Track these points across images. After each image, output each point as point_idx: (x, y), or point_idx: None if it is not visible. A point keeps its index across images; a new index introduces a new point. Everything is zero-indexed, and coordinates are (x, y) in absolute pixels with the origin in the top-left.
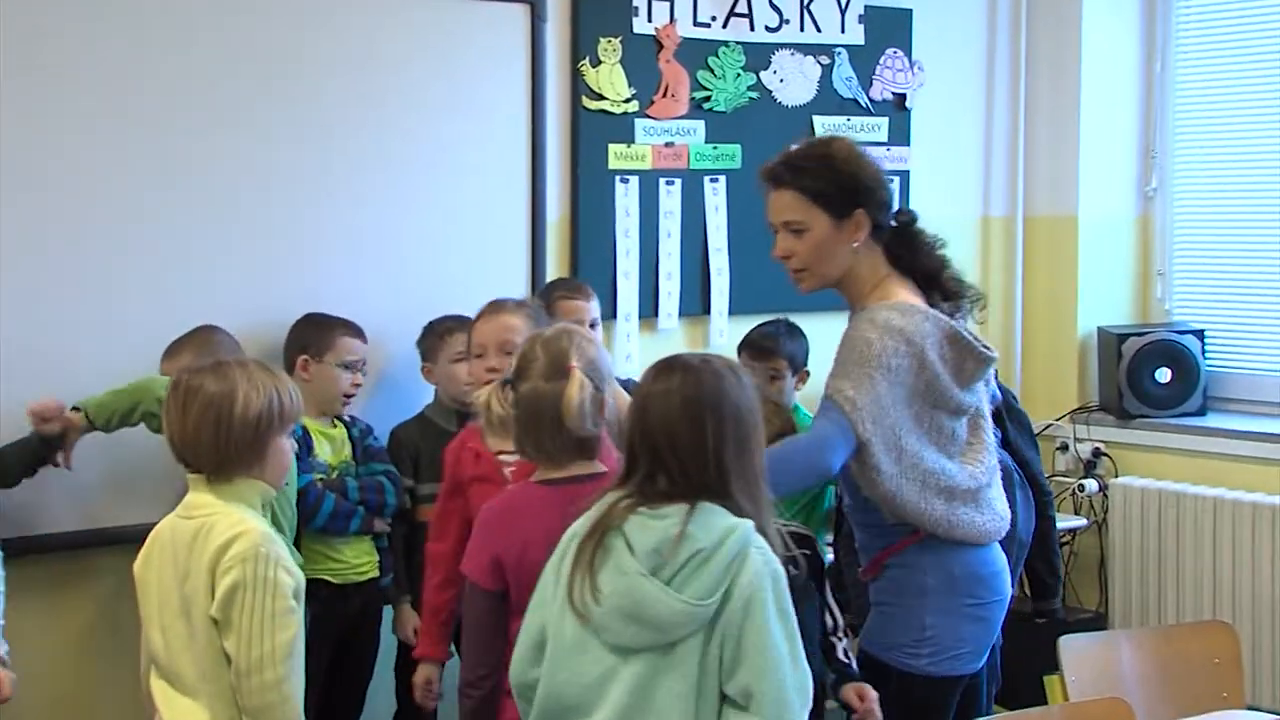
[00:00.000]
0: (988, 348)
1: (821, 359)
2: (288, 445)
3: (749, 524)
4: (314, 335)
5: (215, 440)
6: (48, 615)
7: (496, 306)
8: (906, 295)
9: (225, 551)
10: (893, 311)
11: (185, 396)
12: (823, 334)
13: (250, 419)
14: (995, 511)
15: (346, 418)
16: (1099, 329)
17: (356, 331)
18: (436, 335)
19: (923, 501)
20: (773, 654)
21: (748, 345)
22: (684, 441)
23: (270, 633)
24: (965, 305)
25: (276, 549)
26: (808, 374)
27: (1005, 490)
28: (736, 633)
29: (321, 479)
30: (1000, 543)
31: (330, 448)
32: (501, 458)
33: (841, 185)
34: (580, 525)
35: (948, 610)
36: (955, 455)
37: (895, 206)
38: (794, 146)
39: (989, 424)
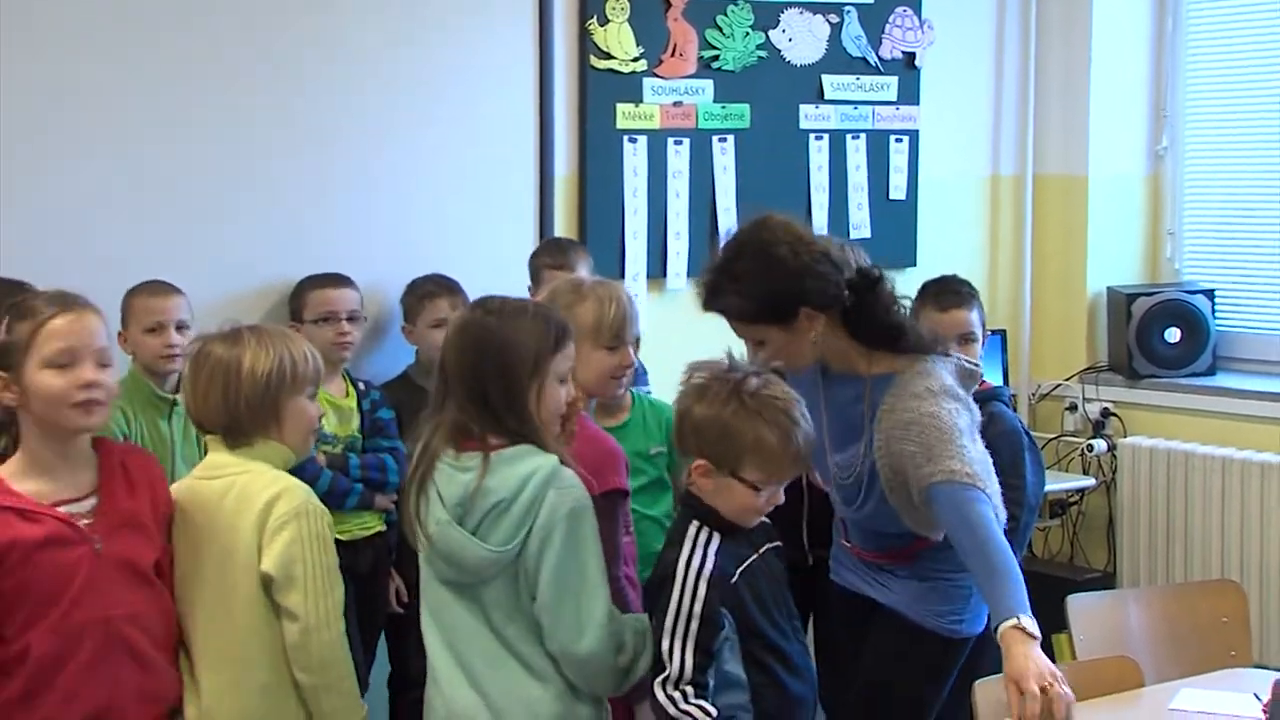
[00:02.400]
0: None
1: None
2: (309, 407)
3: (551, 466)
4: (295, 299)
5: (225, 401)
6: None
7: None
8: (898, 361)
9: (273, 508)
10: (919, 378)
11: (197, 362)
12: None
13: (259, 378)
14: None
15: (360, 386)
16: (1108, 289)
17: (335, 281)
18: (415, 297)
19: None
20: (559, 587)
21: None
22: (453, 368)
23: (330, 588)
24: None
25: (320, 503)
26: None
27: (1018, 453)
28: (534, 568)
29: (326, 450)
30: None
31: (337, 418)
32: (68, 509)
33: (771, 296)
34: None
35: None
36: None
37: (841, 273)
38: (718, 252)
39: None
